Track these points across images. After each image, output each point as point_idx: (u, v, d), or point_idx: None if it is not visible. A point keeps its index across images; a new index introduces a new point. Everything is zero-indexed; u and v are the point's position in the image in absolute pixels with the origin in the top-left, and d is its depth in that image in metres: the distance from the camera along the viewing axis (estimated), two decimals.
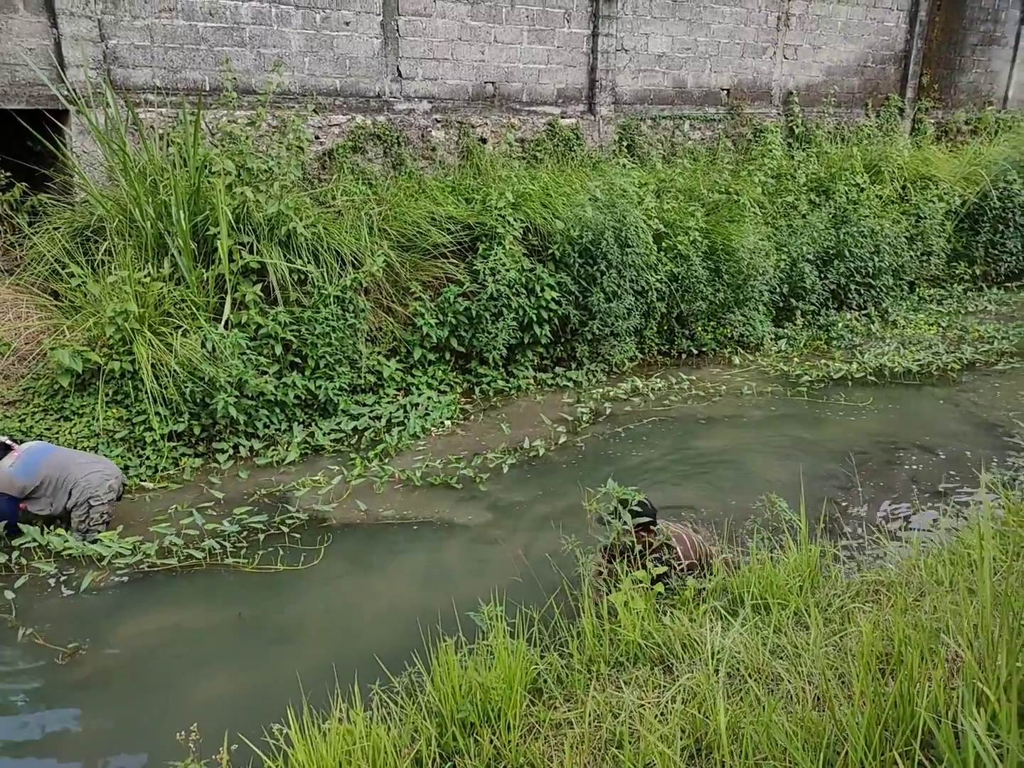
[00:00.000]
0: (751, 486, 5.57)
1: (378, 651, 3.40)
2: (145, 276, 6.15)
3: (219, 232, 6.33)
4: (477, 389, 7.51)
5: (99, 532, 4.92)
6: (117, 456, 5.67)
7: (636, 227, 7.97)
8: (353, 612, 4.33)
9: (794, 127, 11.55)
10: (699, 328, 8.76)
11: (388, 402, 6.96)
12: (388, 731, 2.71)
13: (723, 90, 11.06)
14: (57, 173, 6.92)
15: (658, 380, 7.89)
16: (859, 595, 3.57)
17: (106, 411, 5.80)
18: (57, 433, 5.66)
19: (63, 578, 4.56)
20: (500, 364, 7.64)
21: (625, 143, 9.90)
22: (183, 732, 2.59)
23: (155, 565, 4.67)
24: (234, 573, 4.63)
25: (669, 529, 4.10)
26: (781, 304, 9.49)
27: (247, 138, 7.02)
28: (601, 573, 3.98)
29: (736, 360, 8.60)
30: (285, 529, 5.11)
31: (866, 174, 10.83)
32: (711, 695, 2.61)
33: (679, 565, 3.94)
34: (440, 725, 2.82)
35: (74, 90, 6.66)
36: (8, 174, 6.65)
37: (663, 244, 8.48)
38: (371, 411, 6.79)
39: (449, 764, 2.68)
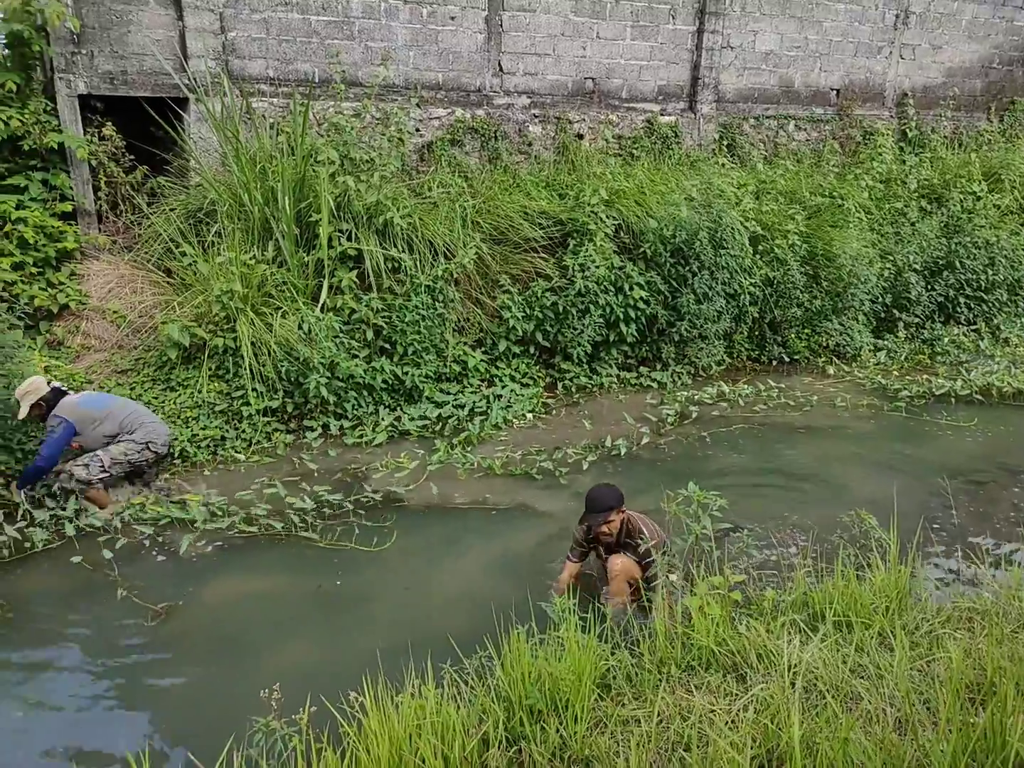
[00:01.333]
0: (839, 500, 5.37)
1: (450, 632, 3.48)
2: (250, 258, 6.44)
3: (321, 219, 6.57)
4: (560, 384, 7.52)
5: (102, 475, 5.03)
6: (215, 427, 5.98)
7: (732, 228, 7.79)
8: (427, 592, 4.43)
9: (907, 130, 11.00)
10: (792, 335, 8.48)
11: (471, 392, 7.06)
12: (457, 710, 2.77)
13: (832, 90, 10.65)
14: (175, 158, 7.34)
15: (746, 386, 7.70)
16: (950, 621, 3.40)
17: (208, 384, 6.12)
18: (163, 402, 6.02)
19: (160, 540, 4.86)
20: (584, 360, 7.62)
21: (725, 142, 9.68)
22: (265, 691, 2.72)
23: (243, 532, 4.91)
24: (313, 547, 4.82)
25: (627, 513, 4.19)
26: (883, 315, 9.07)
27: (351, 129, 7.25)
28: (575, 548, 4.25)
29: (830, 370, 8.29)
30: (365, 506, 5.28)
31: (984, 182, 10.20)
32: (785, 707, 2.55)
33: (651, 545, 3.96)
34: (508, 709, 2.86)
35: (194, 79, 7.04)
36: (132, 157, 7.09)
37: (759, 247, 8.25)
38: (455, 399, 6.91)
39: (515, 748, 2.72)
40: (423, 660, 3.04)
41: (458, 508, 5.39)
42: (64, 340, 6.42)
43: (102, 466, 5.04)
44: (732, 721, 2.68)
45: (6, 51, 6.56)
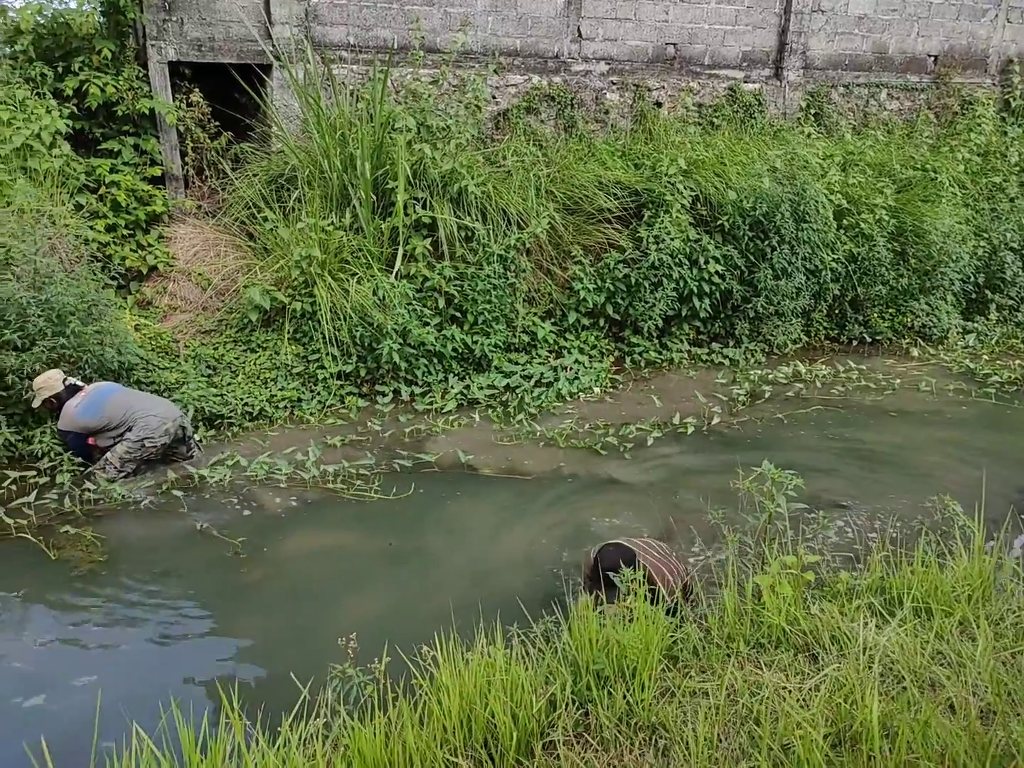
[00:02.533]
0: (922, 486, 5.17)
1: (517, 594, 3.53)
2: (329, 224, 6.56)
3: (397, 186, 6.62)
4: (628, 358, 7.44)
5: (122, 473, 5.05)
6: (292, 389, 6.16)
7: (816, 201, 7.50)
8: (495, 555, 4.49)
9: (1011, 100, 10.33)
10: (875, 315, 8.15)
11: (539, 363, 7.05)
12: (525, 670, 2.81)
13: (930, 56, 10.06)
14: (258, 124, 7.49)
15: (823, 366, 7.45)
16: None
17: (287, 347, 6.29)
18: (244, 363, 6.23)
19: (244, 494, 5.06)
20: (654, 335, 7.51)
21: (812, 111, 9.29)
22: (343, 639, 2.82)
23: (317, 485, 5.09)
24: (384, 507, 4.94)
25: (641, 557, 3.55)
26: (974, 295, 8.63)
27: (429, 96, 7.25)
28: (587, 580, 3.78)
29: (915, 352, 7.95)
30: (432, 470, 5.38)
31: None
32: (860, 688, 2.50)
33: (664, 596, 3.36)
34: (575, 673, 2.89)
35: (277, 46, 7.16)
36: (217, 124, 7.28)
37: (844, 221, 7.93)
38: (523, 370, 6.92)
39: (581, 711, 2.75)
40: (491, 620, 3.10)
41: (524, 476, 5.43)
42: (152, 300, 6.70)
43: (116, 467, 5.08)
44: (803, 699, 2.64)
45: (101, 19, 6.79)
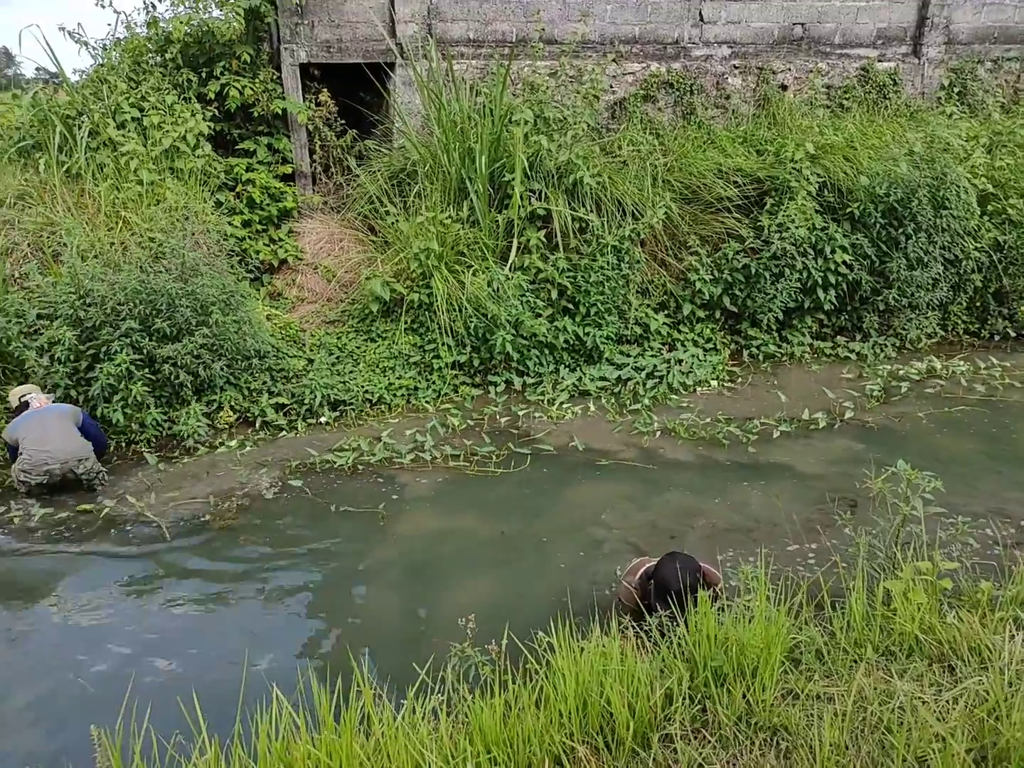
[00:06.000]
0: None
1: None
2: (446, 217, 6.72)
3: (514, 179, 6.69)
4: (746, 352, 7.21)
5: (23, 486, 4.95)
6: (409, 378, 6.36)
7: (957, 186, 6.99)
8: (609, 544, 4.48)
9: None
10: (1023, 308, 7.52)
11: (652, 355, 6.95)
12: (641, 662, 2.80)
13: None
14: (381, 121, 7.76)
15: (961, 363, 6.95)
16: None
17: (404, 337, 6.50)
18: (364, 352, 6.49)
19: (367, 475, 5.29)
20: (774, 328, 7.25)
21: (955, 89, 8.65)
22: (463, 619, 2.91)
23: (439, 466, 5.25)
24: (502, 490, 5.06)
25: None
26: None
27: (546, 88, 7.27)
28: (628, 605, 3.44)
29: None
30: (544, 458, 5.42)
31: None
32: (1005, 704, 2.33)
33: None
34: (691, 669, 2.85)
35: (400, 44, 7.37)
36: (343, 122, 7.60)
37: (989, 207, 7.36)
38: (634, 362, 6.85)
39: (698, 707, 2.71)
40: (607, 609, 3.10)
41: (642, 465, 5.39)
42: (282, 291, 7.09)
43: (19, 486, 5.03)
44: (940, 712, 2.50)
45: (234, 25, 7.23)
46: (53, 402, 5.28)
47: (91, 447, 5.09)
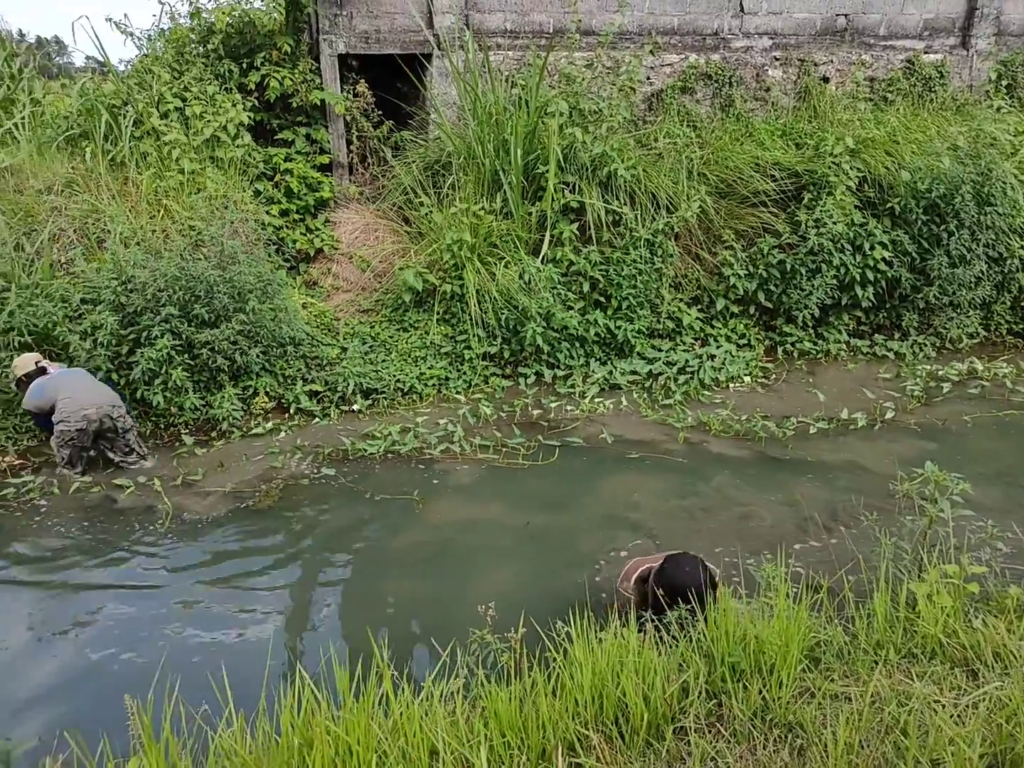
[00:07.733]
0: None
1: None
2: (480, 209, 6.75)
3: (548, 170, 6.69)
4: (780, 349, 7.13)
5: (65, 462, 5.09)
6: (440, 368, 6.42)
7: (1003, 182, 6.81)
8: (633, 537, 4.48)
9: None
10: None
11: (684, 350, 6.91)
12: (658, 655, 2.82)
13: None
14: (416, 112, 7.81)
15: (1004, 365, 6.78)
16: None
17: (436, 327, 6.57)
18: (397, 341, 6.57)
19: (396, 463, 5.37)
20: (809, 324, 7.15)
21: (1004, 82, 8.41)
22: (483, 606, 2.96)
23: (468, 457, 5.31)
24: (529, 480, 5.10)
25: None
26: None
27: (582, 79, 7.25)
28: (625, 605, 3.33)
29: None
30: (572, 450, 5.44)
31: None
32: None
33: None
34: (708, 664, 2.86)
35: (436, 35, 7.41)
36: (380, 113, 7.66)
37: None
38: (666, 357, 6.82)
39: (714, 701, 2.72)
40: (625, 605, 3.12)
41: (673, 458, 5.39)
42: (318, 280, 7.20)
43: (57, 455, 5.15)
44: (958, 716, 2.48)
45: (274, 16, 7.33)
46: None
47: (120, 398, 5.30)
